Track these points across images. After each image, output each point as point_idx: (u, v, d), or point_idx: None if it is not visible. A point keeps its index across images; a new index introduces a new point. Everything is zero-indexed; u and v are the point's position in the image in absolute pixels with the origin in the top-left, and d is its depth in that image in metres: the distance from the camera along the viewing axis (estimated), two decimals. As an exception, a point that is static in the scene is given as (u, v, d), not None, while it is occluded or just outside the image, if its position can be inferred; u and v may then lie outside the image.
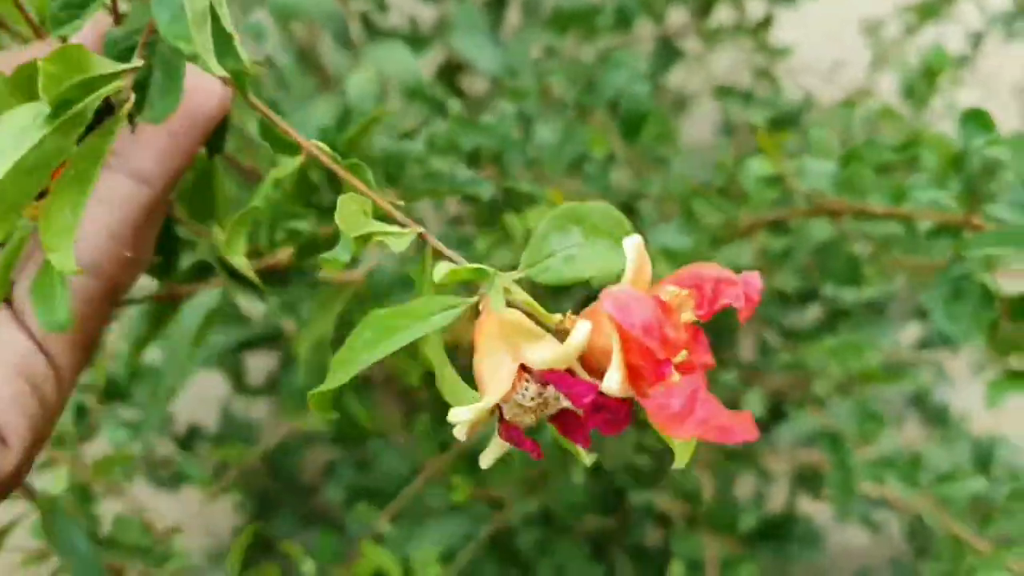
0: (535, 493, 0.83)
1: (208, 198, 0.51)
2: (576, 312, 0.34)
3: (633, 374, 0.31)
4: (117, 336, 0.88)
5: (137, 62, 0.35)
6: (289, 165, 0.40)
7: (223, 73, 0.34)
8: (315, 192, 0.54)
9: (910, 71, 1.01)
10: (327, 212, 0.55)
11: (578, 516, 0.90)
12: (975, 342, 0.47)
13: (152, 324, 0.55)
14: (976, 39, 1.29)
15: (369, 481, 1.07)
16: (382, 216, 0.37)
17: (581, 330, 0.32)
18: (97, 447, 0.86)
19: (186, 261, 0.52)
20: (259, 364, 1.28)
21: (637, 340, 0.31)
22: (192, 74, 0.37)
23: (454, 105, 0.75)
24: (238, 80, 0.37)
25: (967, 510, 0.64)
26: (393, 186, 0.59)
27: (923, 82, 0.94)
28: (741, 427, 0.30)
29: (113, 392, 0.86)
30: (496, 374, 0.33)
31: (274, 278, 0.54)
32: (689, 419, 0.29)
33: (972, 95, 1.30)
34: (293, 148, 0.38)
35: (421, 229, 0.37)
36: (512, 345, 0.33)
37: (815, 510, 1.14)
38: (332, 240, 0.55)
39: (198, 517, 1.18)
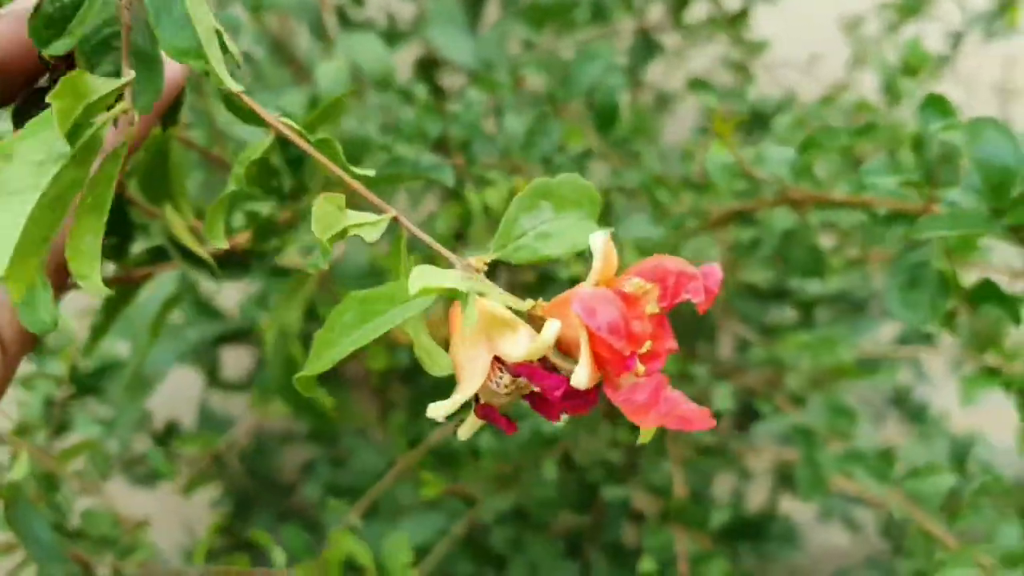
0: (508, 489, 0.83)
1: (163, 179, 0.51)
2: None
3: (601, 363, 0.34)
4: (83, 327, 0.87)
5: (129, 75, 0.35)
6: (259, 147, 0.39)
7: (239, 88, 0.35)
8: (276, 176, 0.54)
9: (889, 68, 1.01)
10: (287, 196, 0.54)
11: (551, 513, 0.90)
12: (931, 328, 0.47)
13: (109, 310, 0.54)
14: (956, 38, 1.29)
15: (345, 478, 1.06)
16: (353, 204, 0.37)
17: (551, 329, 0.34)
18: (70, 443, 0.86)
19: (140, 245, 0.52)
20: (235, 359, 1.28)
21: (603, 338, 0.33)
22: None
23: (421, 92, 0.74)
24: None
25: (940, 506, 0.64)
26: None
27: (902, 79, 0.94)
28: (699, 418, 0.33)
29: (84, 387, 0.85)
30: (471, 366, 0.35)
31: (232, 262, 0.53)
32: (652, 411, 0.32)
33: (952, 93, 1.31)
34: (261, 123, 0.38)
35: (394, 212, 0.37)
36: (487, 336, 0.35)
37: (796, 509, 1.14)
38: (292, 224, 0.55)
39: (176, 515, 1.17)
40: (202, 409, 1.21)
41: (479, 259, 0.36)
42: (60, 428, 0.79)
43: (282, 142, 0.55)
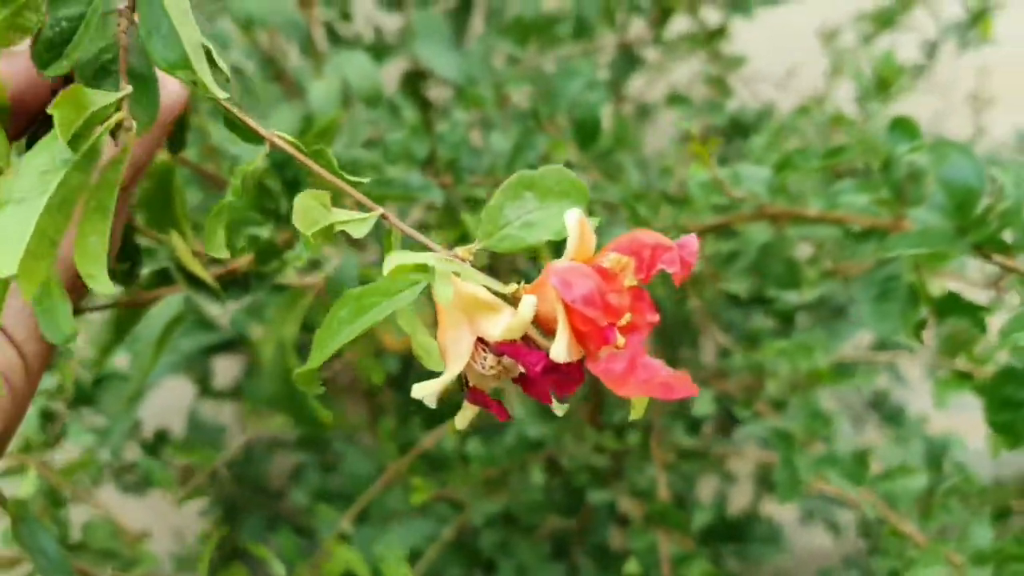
0: (496, 494, 0.85)
1: (167, 206, 0.53)
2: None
3: (581, 338, 0.34)
4: (83, 342, 0.89)
5: (126, 88, 0.37)
6: (256, 161, 0.41)
7: (224, 96, 0.37)
8: (272, 199, 0.56)
9: (865, 80, 1.04)
10: (284, 218, 0.56)
11: (539, 516, 0.92)
12: (899, 338, 0.49)
13: (116, 330, 0.56)
14: (931, 48, 1.32)
15: (335, 484, 1.08)
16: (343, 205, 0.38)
17: (527, 305, 0.34)
18: (62, 453, 0.87)
19: (147, 268, 0.53)
20: (224, 369, 1.29)
21: (578, 311, 0.33)
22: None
23: (409, 114, 0.76)
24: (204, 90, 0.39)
25: (913, 506, 0.66)
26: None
27: (877, 91, 0.97)
28: (681, 385, 0.33)
29: (80, 397, 0.86)
30: (455, 347, 0.35)
31: (234, 284, 0.55)
32: (632, 379, 0.33)
33: (927, 103, 1.34)
34: (257, 139, 0.40)
35: (381, 210, 0.39)
36: (470, 318, 0.35)
37: (779, 512, 1.16)
38: (290, 245, 0.57)
39: (165, 522, 1.18)
40: (191, 418, 1.22)
41: (465, 249, 0.37)
42: (56, 439, 0.81)
43: (278, 165, 0.57)
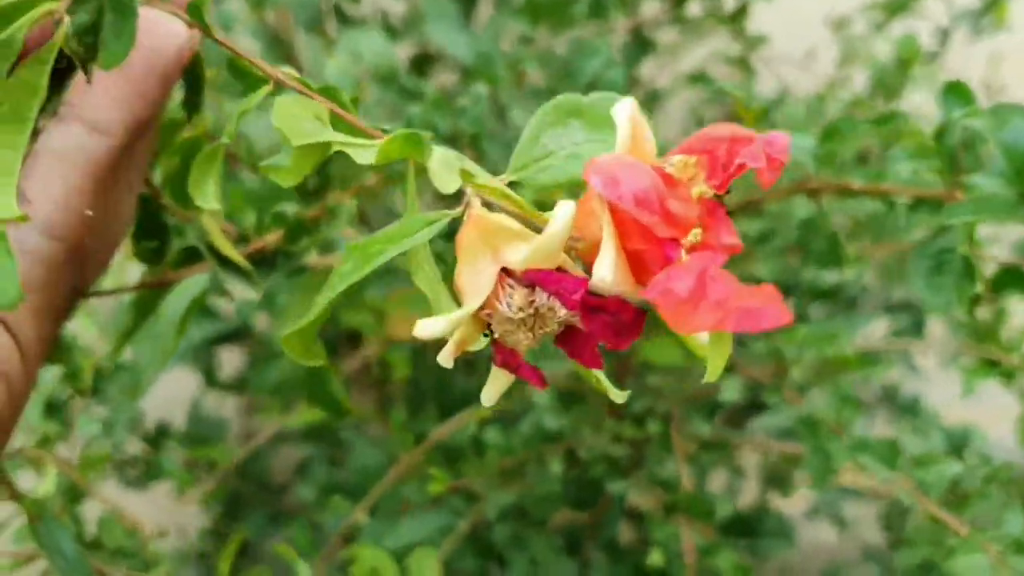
0: (512, 485, 0.83)
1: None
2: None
3: (635, 262, 0.26)
4: (85, 328, 0.86)
5: None
6: (254, 97, 0.37)
7: (221, 35, 0.34)
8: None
9: (879, 66, 1.02)
10: (311, 194, 0.54)
11: (553, 508, 0.90)
12: (957, 313, 0.47)
13: (139, 312, 0.53)
14: (943, 36, 1.30)
15: (343, 477, 1.05)
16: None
17: (563, 213, 0.27)
18: (71, 448, 0.84)
19: (174, 247, 0.51)
20: (226, 362, 1.27)
21: (632, 217, 0.25)
22: (149, 17, 0.36)
23: (429, 88, 0.74)
24: (195, 14, 0.36)
25: (944, 495, 0.65)
26: (373, 169, 0.59)
27: (895, 73, 0.95)
28: (770, 309, 0.24)
29: (93, 388, 0.84)
30: (475, 280, 0.29)
31: (261, 263, 0.53)
32: (701, 304, 0.24)
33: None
34: (261, 81, 0.36)
35: (391, 134, 0.33)
36: (493, 249, 0.29)
37: (784, 506, 1.15)
38: (318, 222, 0.55)
39: (166, 516, 1.16)
40: (193, 411, 1.19)
41: (496, 179, 0.31)
42: (64, 431, 0.78)
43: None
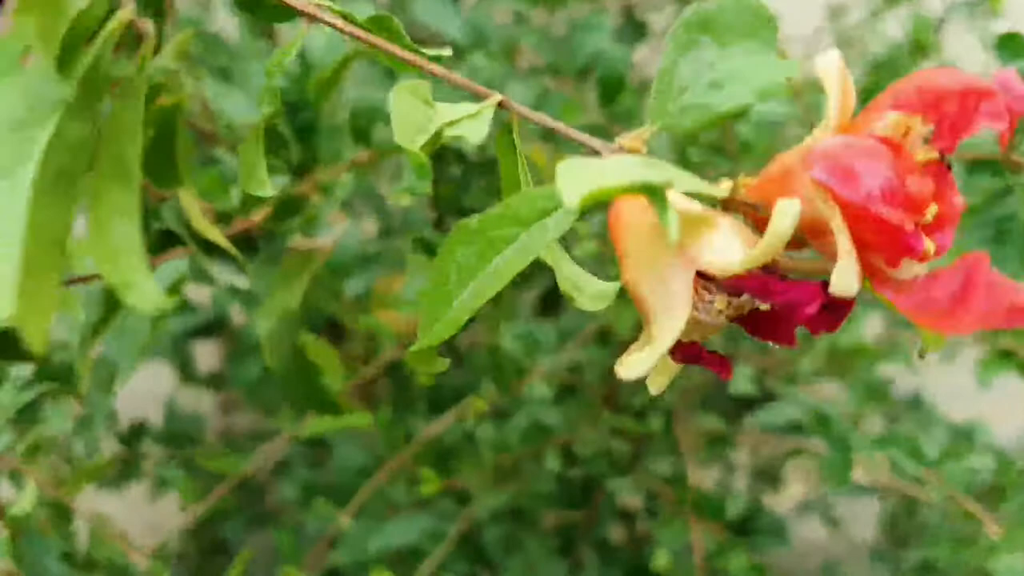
0: (507, 483, 0.79)
1: (171, 159, 0.45)
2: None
3: (866, 251, 0.23)
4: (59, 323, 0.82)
5: None
6: (293, 44, 0.32)
7: None
8: (284, 146, 0.49)
9: (890, 44, 0.99)
10: (298, 169, 0.50)
11: (546, 507, 0.86)
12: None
13: (110, 303, 0.49)
14: (938, 24, 1.28)
15: (326, 477, 1.02)
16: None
17: (786, 214, 0.23)
18: (61, 455, 0.80)
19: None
20: (202, 356, 1.22)
21: (872, 214, 0.22)
22: None
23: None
24: None
25: (967, 490, 0.62)
26: (364, 143, 0.55)
27: (911, 53, 0.92)
28: None
29: (58, 382, 0.79)
30: (666, 291, 0.24)
31: (244, 245, 0.48)
32: (972, 307, 0.22)
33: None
34: (289, 14, 0.31)
35: (500, 97, 0.29)
36: (680, 245, 0.24)
37: (774, 504, 1.13)
38: (306, 199, 0.50)
39: (140, 516, 1.12)
40: (169, 408, 1.15)
41: (634, 137, 0.27)
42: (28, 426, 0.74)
43: (290, 109, 0.50)
